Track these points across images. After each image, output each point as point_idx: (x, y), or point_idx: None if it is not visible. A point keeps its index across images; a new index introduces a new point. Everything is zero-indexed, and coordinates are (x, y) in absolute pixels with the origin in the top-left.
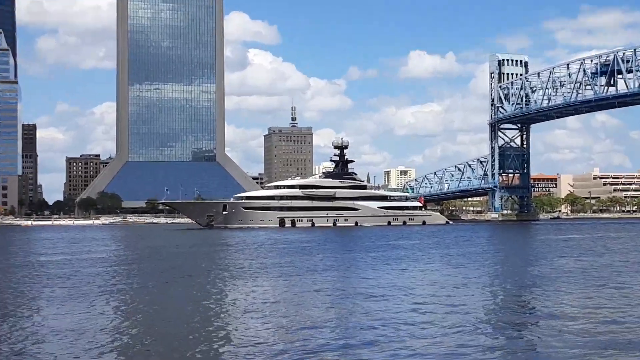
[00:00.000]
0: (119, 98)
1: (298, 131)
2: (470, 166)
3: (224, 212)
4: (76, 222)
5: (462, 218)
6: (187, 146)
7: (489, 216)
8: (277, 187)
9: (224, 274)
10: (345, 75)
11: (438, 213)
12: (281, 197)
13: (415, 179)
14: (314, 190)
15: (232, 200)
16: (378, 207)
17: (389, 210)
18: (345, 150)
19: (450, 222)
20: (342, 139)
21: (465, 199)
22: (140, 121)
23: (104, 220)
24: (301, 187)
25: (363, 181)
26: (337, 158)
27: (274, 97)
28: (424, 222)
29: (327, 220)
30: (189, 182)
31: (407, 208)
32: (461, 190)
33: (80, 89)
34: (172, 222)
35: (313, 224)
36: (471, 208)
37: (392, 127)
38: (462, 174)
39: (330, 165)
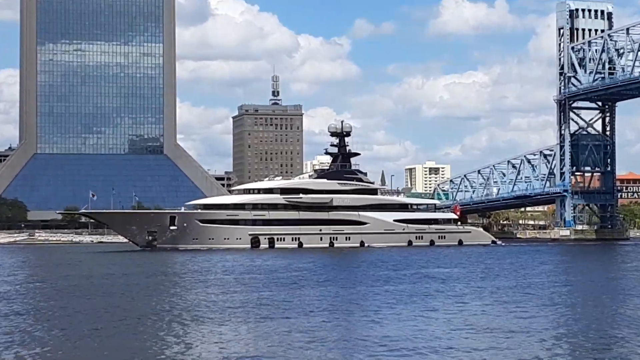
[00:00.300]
0: (23, 63)
1: (282, 111)
2: (529, 162)
3: (172, 227)
4: None
5: (519, 236)
6: (122, 133)
7: (557, 233)
8: (248, 191)
9: (171, 318)
10: (349, 32)
11: (481, 229)
12: (255, 206)
13: (451, 180)
14: (301, 196)
15: (183, 210)
16: (394, 221)
17: (409, 225)
18: (347, 139)
19: (499, 242)
20: (342, 122)
21: (523, 209)
22: (54, 97)
23: (2, 238)
24: (283, 191)
25: (373, 183)
26: (335, 150)
27: (247, 62)
28: (460, 242)
29: (321, 239)
30: (125, 184)
31: (436, 222)
32: (517, 196)
33: None
34: (101, 242)
35: (300, 244)
36: (531, 222)
37: (417, 106)
38: (519, 174)
39: (327, 161)
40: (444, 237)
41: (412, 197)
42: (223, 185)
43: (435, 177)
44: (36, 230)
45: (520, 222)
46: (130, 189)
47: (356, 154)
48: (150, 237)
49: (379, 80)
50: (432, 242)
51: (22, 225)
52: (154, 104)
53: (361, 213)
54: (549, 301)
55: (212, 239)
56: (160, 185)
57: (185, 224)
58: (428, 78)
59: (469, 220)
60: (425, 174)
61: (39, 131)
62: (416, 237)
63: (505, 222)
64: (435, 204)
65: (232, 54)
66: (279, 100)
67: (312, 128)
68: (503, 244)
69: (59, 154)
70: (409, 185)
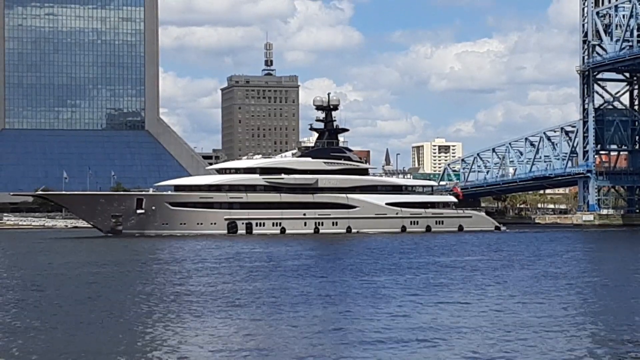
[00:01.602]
0: None
1: (276, 83)
2: (549, 139)
3: (139, 211)
4: None
5: (537, 221)
6: (100, 106)
7: (580, 218)
8: (224, 171)
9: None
10: None
11: (483, 214)
12: (231, 188)
13: (463, 159)
14: (283, 176)
15: (151, 191)
16: (386, 204)
17: (403, 209)
18: (334, 113)
19: (503, 228)
20: (328, 94)
21: (542, 192)
22: (23, 66)
23: None
24: (263, 171)
25: (363, 161)
26: (321, 126)
27: (237, 28)
28: (460, 228)
29: (305, 224)
30: (103, 163)
31: (433, 205)
32: (535, 177)
33: None
34: (76, 226)
35: (283, 230)
36: (551, 206)
37: (426, 78)
38: (537, 152)
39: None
40: (442, 222)
41: (420, 178)
42: (211, 164)
43: (445, 156)
44: (4, 214)
45: (539, 206)
46: (109, 169)
47: (343, 130)
48: (114, 222)
49: (383, 49)
50: (428, 228)
51: None
52: (135, 74)
53: (349, 195)
54: (576, 295)
55: (184, 224)
56: (141, 164)
57: (153, 207)
58: (437, 46)
59: (483, 204)
60: (434, 153)
61: (6, 104)
62: (411, 223)
63: (522, 206)
64: (432, 186)
65: (221, 19)
66: (272, 70)
67: (309, 101)
68: (506, 230)
69: (29, 129)
70: (416, 165)
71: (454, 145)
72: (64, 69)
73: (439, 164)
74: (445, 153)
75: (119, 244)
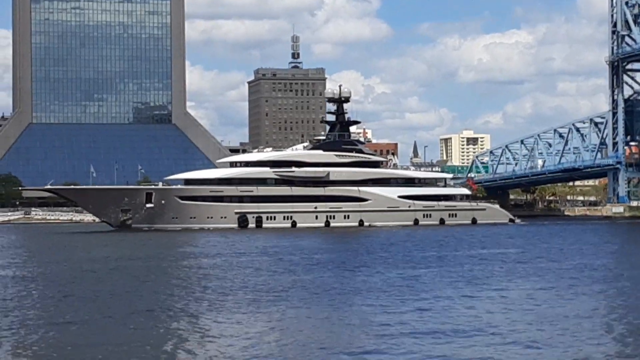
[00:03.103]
0: (16, 23)
1: (303, 76)
2: (578, 131)
3: (148, 205)
4: None
5: (567, 214)
6: (126, 100)
7: (609, 210)
8: (235, 164)
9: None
10: None
11: (497, 206)
12: (242, 181)
13: (491, 151)
14: (294, 169)
15: (161, 185)
16: (398, 197)
17: (416, 202)
18: (345, 106)
19: (517, 220)
20: (340, 86)
21: (571, 184)
22: (50, 60)
23: None
24: (274, 164)
25: (375, 154)
26: (332, 118)
27: (264, 21)
28: (473, 221)
29: (316, 217)
30: (130, 157)
31: (446, 197)
32: (564, 169)
33: None
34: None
35: (294, 224)
36: (580, 198)
37: (453, 70)
38: (566, 144)
39: (355, 131)
40: (455, 215)
41: (448, 170)
42: None
43: (474, 148)
44: (32, 209)
45: (568, 198)
46: (136, 162)
47: (354, 123)
48: (124, 216)
49: (411, 41)
50: (442, 221)
51: (17, 203)
52: (161, 68)
53: (361, 188)
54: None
55: (194, 217)
56: (168, 158)
57: (163, 201)
58: (465, 38)
59: (511, 197)
60: (463, 145)
61: (34, 99)
62: (424, 215)
63: (551, 198)
64: (445, 178)
65: (248, 12)
66: (299, 63)
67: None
68: (521, 222)
69: (57, 123)
70: (445, 157)
71: (482, 137)
72: (90, 63)
73: (467, 156)
74: (474, 145)
75: (126, 239)
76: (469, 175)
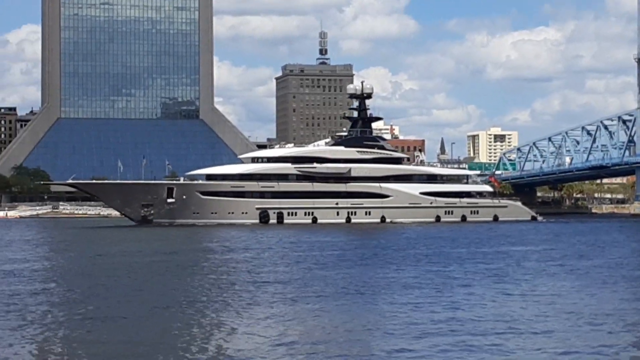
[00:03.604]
0: (45, 19)
1: (330, 72)
2: (606, 128)
3: (170, 200)
4: None
5: (594, 211)
6: (154, 95)
7: (637, 208)
8: (256, 160)
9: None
10: None
11: (519, 203)
12: (263, 177)
13: (518, 148)
14: (316, 165)
15: (182, 180)
16: (420, 194)
17: (438, 199)
18: (367, 102)
19: (540, 218)
20: (362, 82)
21: (599, 181)
22: (79, 55)
23: (23, 211)
24: (295, 160)
25: (397, 150)
26: (354, 114)
27: (292, 17)
28: (495, 218)
29: (337, 213)
30: (157, 152)
31: (468, 195)
32: (592, 167)
33: None
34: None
35: (315, 220)
36: (608, 195)
37: (481, 66)
38: (594, 141)
39: (380, 127)
40: (477, 212)
41: (474, 167)
42: None
43: (501, 145)
44: (60, 203)
45: (596, 195)
46: (163, 158)
47: (376, 119)
48: (145, 211)
49: (439, 38)
50: (463, 218)
51: (45, 197)
52: (189, 63)
53: (383, 185)
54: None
55: (215, 213)
56: (196, 153)
57: (184, 196)
58: (494, 35)
59: (539, 194)
60: (490, 142)
61: (62, 93)
62: (445, 212)
63: (579, 195)
64: (467, 175)
65: (276, 8)
66: (327, 59)
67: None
68: (543, 219)
69: (85, 118)
70: (472, 154)
71: (509, 134)
72: (119, 58)
73: (495, 153)
74: (501, 142)
75: (146, 234)
76: (495, 172)
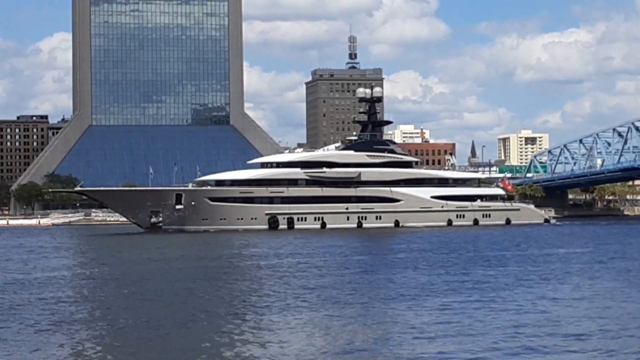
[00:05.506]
0: (76, 26)
1: (360, 76)
2: (638, 130)
3: (178, 207)
4: (12, 222)
5: (626, 213)
6: (185, 102)
7: None
8: (265, 165)
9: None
10: None
11: (532, 206)
12: (272, 182)
13: (549, 151)
14: (325, 170)
15: (190, 187)
16: (431, 197)
17: (449, 202)
18: (376, 106)
19: (552, 221)
20: (372, 86)
21: (631, 183)
22: (109, 62)
23: (56, 218)
24: (305, 164)
25: (407, 154)
26: (364, 118)
27: (322, 22)
28: (507, 221)
29: (348, 218)
30: (188, 158)
31: (479, 197)
32: (624, 168)
33: (18, 15)
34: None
35: (324, 225)
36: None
37: (512, 69)
38: (626, 143)
39: (411, 130)
40: (489, 215)
41: (505, 170)
42: None
43: (532, 148)
44: (92, 210)
45: (628, 197)
46: (194, 164)
47: (386, 123)
48: (153, 218)
49: (469, 41)
50: (475, 221)
51: (77, 205)
52: (219, 69)
53: (393, 189)
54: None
55: (224, 219)
56: (226, 159)
57: (193, 203)
58: (524, 37)
59: (570, 196)
60: (521, 144)
61: (94, 101)
62: (457, 216)
63: (610, 197)
64: (479, 179)
65: (305, 14)
66: (356, 63)
67: (394, 94)
68: (556, 222)
69: (116, 125)
70: (503, 157)
71: (540, 137)
72: (149, 65)
73: (526, 155)
74: (532, 145)
75: (154, 240)
76: (506, 176)
